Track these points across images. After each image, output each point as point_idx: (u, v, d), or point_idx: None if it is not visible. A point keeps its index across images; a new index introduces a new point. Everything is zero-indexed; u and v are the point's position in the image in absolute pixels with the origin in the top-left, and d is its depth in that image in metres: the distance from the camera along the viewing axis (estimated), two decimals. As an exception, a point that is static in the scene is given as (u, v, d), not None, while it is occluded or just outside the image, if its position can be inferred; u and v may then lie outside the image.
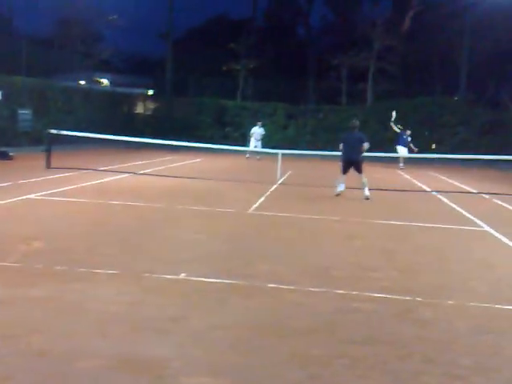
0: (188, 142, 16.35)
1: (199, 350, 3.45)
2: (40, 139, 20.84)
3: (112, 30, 33.13)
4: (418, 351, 3.60)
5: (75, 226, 7.15)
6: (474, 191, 13.65)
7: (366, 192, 11.14)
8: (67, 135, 16.31)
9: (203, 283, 4.90)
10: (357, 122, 11.69)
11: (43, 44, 29.41)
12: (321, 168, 18.85)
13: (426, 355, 3.55)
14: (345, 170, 11.40)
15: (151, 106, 32.51)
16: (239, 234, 7.26)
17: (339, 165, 11.57)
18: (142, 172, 14.60)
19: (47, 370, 3.10)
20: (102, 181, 12.12)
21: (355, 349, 3.59)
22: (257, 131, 22.20)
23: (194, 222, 7.92)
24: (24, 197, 9.16)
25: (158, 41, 48.19)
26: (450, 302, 4.68)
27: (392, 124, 21.21)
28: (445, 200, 11.69)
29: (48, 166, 13.69)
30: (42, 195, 9.52)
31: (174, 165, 17.80)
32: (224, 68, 32.60)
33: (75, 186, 10.88)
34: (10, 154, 16.65)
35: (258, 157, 21.65)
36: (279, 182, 13.72)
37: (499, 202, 11.60)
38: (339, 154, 11.70)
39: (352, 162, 11.27)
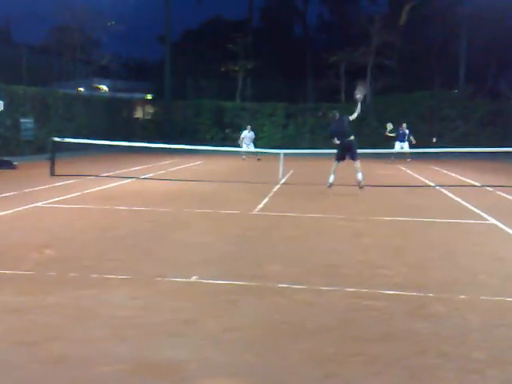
0: (188, 144, 16.41)
1: (216, 352, 3.49)
2: (42, 147, 20.95)
3: (110, 35, 33.19)
4: (433, 346, 3.63)
5: (84, 232, 7.20)
6: (478, 184, 13.68)
7: (359, 177, 11.26)
8: (69, 142, 16.39)
9: (215, 285, 4.94)
10: (336, 114, 11.71)
11: (42, 52, 29.51)
12: (322, 166, 18.78)
13: (441, 350, 3.58)
14: (340, 157, 11.45)
15: (150, 110, 32.60)
16: (246, 235, 7.30)
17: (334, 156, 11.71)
18: (144, 177, 14.66)
19: (68, 375, 3.14)
20: (105, 187, 12.17)
21: (370, 346, 3.63)
22: (247, 135, 22.19)
23: (200, 224, 7.96)
24: (31, 205, 9.22)
25: (156, 45, 48.29)
26: (461, 296, 4.71)
27: (387, 134, 21.56)
28: (449, 194, 11.71)
29: (52, 173, 13.74)
30: (48, 203, 9.57)
31: (175, 168, 17.85)
32: (222, 69, 32.68)
33: (80, 193, 10.93)
34: (14, 163, 16.72)
35: (258, 157, 21.68)
36: (282, 181, 13.76)
37: (503, 195, 11.62)
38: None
39: (347, 146, 11.31)
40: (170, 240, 6.85)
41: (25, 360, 3.34)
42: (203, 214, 8.88)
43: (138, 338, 3.70)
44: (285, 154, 14.74)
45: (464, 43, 31.14)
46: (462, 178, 15.35)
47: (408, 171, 17.89)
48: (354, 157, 11.39)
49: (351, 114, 11.52)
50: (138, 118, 32.47)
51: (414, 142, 20.75)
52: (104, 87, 34.99)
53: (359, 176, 11.29)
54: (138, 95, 33.50)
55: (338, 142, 11.52)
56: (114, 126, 28.30)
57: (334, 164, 11.64)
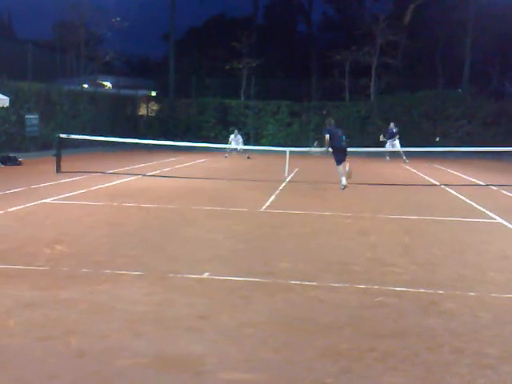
0: (192, 142, 16.43)
1: (232, 347, 3.54)
2: (47, 144, 21.01)
3: (114, 32, 33.16)
4: (446, 342, 3.68)
5: (94, 228, 7.25)
6: (482, 183, 13.70)
7: (347, 168, 12.36)
8: (73, 139, 16.44)
9: (227, 282, 4.98)
10: (332, 121, 12.75)
11: (47, 48, 29.56)
12: (327, 164, 18.84)
13: (454, 346, 3.63)
14: (340, 160, 12.24)
15: (154, 107, 32.61)
16: (255, 232, 7.34)
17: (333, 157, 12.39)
18: (150, 174, 14.70)
19: (89, 368, 3.19)
20: (112, 183, 12.23)
21: (384, 342, 3.67)
22: (233, 139, 22.26)
23: (208, 221, 8.01)
24: (39, 201, 9.27)
25: (160, 42, 48.27)
26: (471, 293, 4.75)
27: (381, 140, 21.85)
28: (454, 193, 11.75)
29: (58, 170, 13.80)
30: (56, 199, 9.63)
31: (180, 166, 17.89)
32: (226, 67, 32.67)
33: (87, 190, 10.99)
34: (19, 159, 16.79)
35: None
36: (288, 179, 13.80)
37: (508, 194, 11.65)
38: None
39: (344, 150, 12.31)
40: (179, 237, 6.90)
41: (44, 354, 3.39)
42: (211, 211, 8.93)
43: (155, 333, 3.75)
44: (290, 152, 14.76)
45: (468, 42, 31.10)
46: (466, 177, 15.37)
47: (412, 170, 17.92)
48: (345, 157, 12.46)
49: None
50: (142, 116, 32.51)
51: (383, 139, 21.31)
52: (108, 84, 35.02)
53: (347, 167, 12.35)
54: (142, 92, 33.51)
55: (328, 141, 12.22)
56: (118, 122, 28.35)
57: (339, 168, 12.23)
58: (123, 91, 31.59)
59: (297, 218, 8.55)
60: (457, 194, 11.51)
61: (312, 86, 33.97)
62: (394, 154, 22.11)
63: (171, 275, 5.11)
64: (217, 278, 5.09)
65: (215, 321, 4.01)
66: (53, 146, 18.02)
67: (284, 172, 14.22)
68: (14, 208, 8.57)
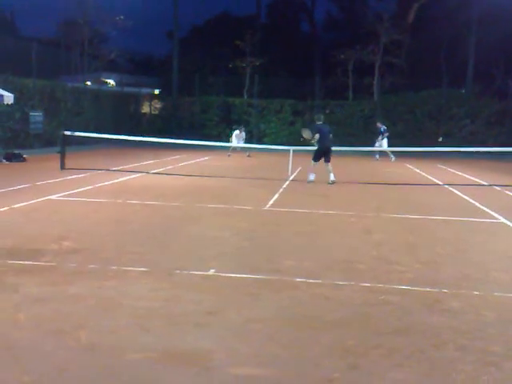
0: (195, 140, 16.47)
1: (240, 343, 3.59)
2: (51, 141, 21.08)
3: (118, 30, 33.20)
4: (451, 340, 3.72)
5: (100, 225, 7.31)
6: (485, 183, 13.72)
7: (332, 177, 12.63)
8: (77, 136, 16.48)
9: (233, 278, 5.03)
10: (321, 116, 13.34)
11: (51, 46, 29.61)
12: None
13: (459, 343, 3.67)
14: (319, 158, 12.73)
15: (158, 105, 32.65)
16: (259, 230, 7.39)
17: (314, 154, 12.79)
18: (154, 171, 14.75)
19: (99, 362, 3.24)
20: (116, 181, 12.28)
21: (390, 339, 3.71)
22: (238, 135, 22.23)
23: (213, 219, 8.05)
24: (45, 198, 9.33)
25: (164, 40, 48.38)
26: (475, 292, 4.79)
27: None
28: (457, 192, 11.77)
29: (62, 167, 13.86)
30: (61, 196, 9.68)
31: (184, 163, 17.95)
32: (230, 66, 32.70)
33: (92, 187, 11.04)
34: (23, 156, 16.85)
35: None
36: (291, 178, 13.84)
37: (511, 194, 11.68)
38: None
39: (328, 150, 12.75)
40: (184, 234, 6.95)
41: (54, 347, 3.44)
42: (215, 208, 8.97)
43: (163, 328, 3.80)
44: (294, 151, 14.81)
45: (472, 42, 31.06)
46: (469, 177, 15.39)
47: (415, 169, 17.94)
48: (328, 159, 12.81)
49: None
50: (145, 113, 32.55)
51: (380, 140, 21.46)
52: (111, 81, 35.08)
53: (332, 177, 12.65)
54: (145, 90, 33.55)
55: (317, 138, 12.52)
56: (122, 120, 28.41)
57: (314, 164, 12.83)
58: (127, 89, 31.66)
59: (301, 216, 8.60)
60: (460, 194, 11.54)
61: (315, 84, 33.98)
62: (382, 153, 22.08)
63: (177, 272, 5.16)
64: (223, 274, 5.14)
65: (222, 317, 4.06)
66: (56, 143, 18.10)
67: (287, 170, 14.26)
68: (20, 204, 8.62)
